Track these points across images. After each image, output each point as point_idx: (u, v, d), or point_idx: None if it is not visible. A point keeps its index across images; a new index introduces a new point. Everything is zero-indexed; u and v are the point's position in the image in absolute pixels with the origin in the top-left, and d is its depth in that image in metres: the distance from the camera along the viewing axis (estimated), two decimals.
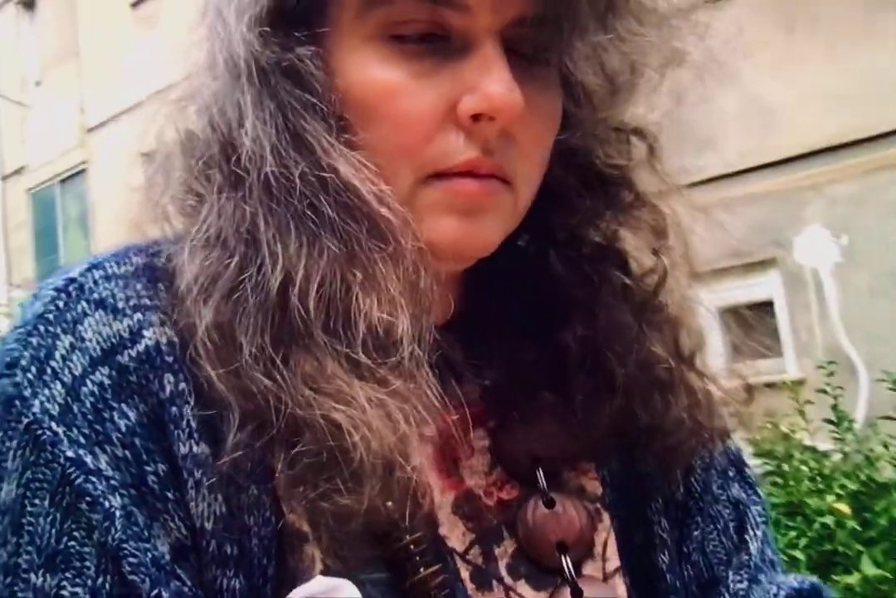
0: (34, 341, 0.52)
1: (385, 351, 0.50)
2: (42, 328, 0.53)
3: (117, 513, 0.49)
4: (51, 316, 0.53)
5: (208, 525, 0.51)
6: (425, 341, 0.51)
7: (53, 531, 0.49)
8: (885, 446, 3.37)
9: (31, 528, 0.49)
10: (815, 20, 5.29)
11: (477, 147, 0.52)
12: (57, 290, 0.54)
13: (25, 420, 0.50)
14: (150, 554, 0.49)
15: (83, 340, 0.52)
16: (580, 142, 0.60)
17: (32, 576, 0.48)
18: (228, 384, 0.49)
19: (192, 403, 0.51)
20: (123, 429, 0.51)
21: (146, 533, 0.49)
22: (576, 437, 0.62)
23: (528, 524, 0.60)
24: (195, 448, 0.51)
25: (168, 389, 0.52)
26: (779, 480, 3.19)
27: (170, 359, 0.52)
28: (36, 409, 0.50)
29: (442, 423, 0.57)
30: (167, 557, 0.50)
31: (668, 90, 0.60)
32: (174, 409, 0.51)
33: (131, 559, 0.48)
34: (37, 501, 0.49)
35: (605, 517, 0.63)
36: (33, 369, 0.52)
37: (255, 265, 0.50)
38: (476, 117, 0.51)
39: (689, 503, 0.66)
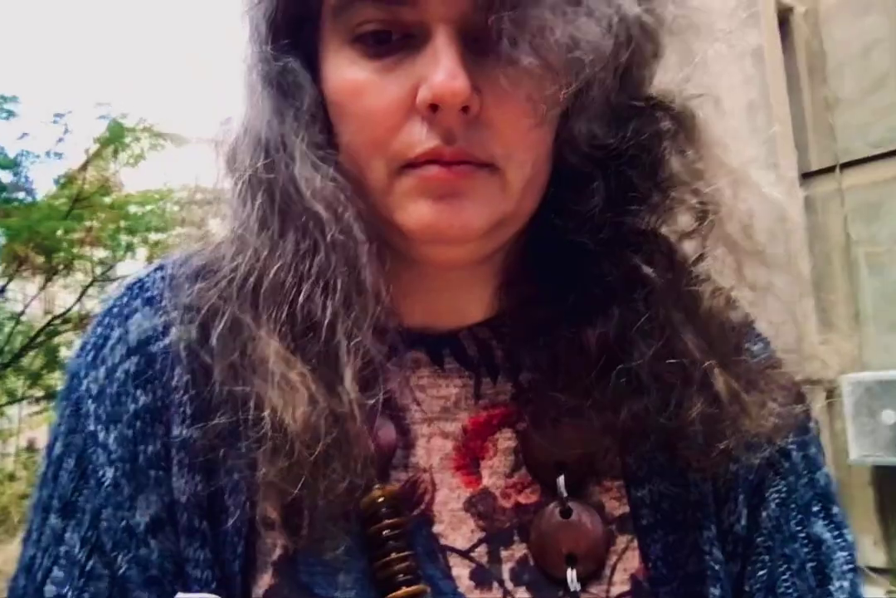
0: (99, 330, 0.65)
1: (307, 336, 0.54)
2: (106, 320, 0.65)
3: (106, 482, 0.59)
4: (115, 310, 0.65)
5: (183, 499, 0.58)
6: (358, 334, 0.54)
7: (71, 486, 0.60)
8: None
9: (60, 479, 0.61)
10: None
11: (438, 136, 0.53)
12: (127, 287, 0.66)
13: (75, 395, 0.63)
14: (125, 522, 0.58)
15: (128, 332, 0.63)
16: (591, 124, 0.57)
17: (52, 516, 0.61)
18: (205, 364, 0.57)
19: (191, 392, 0.59)
20: (132, 411, 0.60)
21: (128, 504, 0.58)
22: (606, 448, 0.61)
23: (541, 530, 0.59)
24: (185, 432, 0.59)
25: (176, 379, 0.60)
26: None
27: (184, 353, 0.60)
28: (83, 387, 0.62)
29: (468, 421, 0.61)
30: (142, 527, 0.58)
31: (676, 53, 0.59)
32: (177, 396, 0.60)
33: (104, 523, 0.58)
34: (69, 459, 0.61)
35: (622, 540, 0.60)
36: (92, 353, 0.64)
37: (231, 260, 0.57)
38: (433, 107, 0.52)
39: (755, 539, 0.62)
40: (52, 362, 8.60)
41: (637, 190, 0.61)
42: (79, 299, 8.90)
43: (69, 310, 8.89)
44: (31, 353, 8.89)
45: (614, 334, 0.60)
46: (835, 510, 0.65)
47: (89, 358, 0.63)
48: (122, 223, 8.45)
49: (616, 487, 0.61)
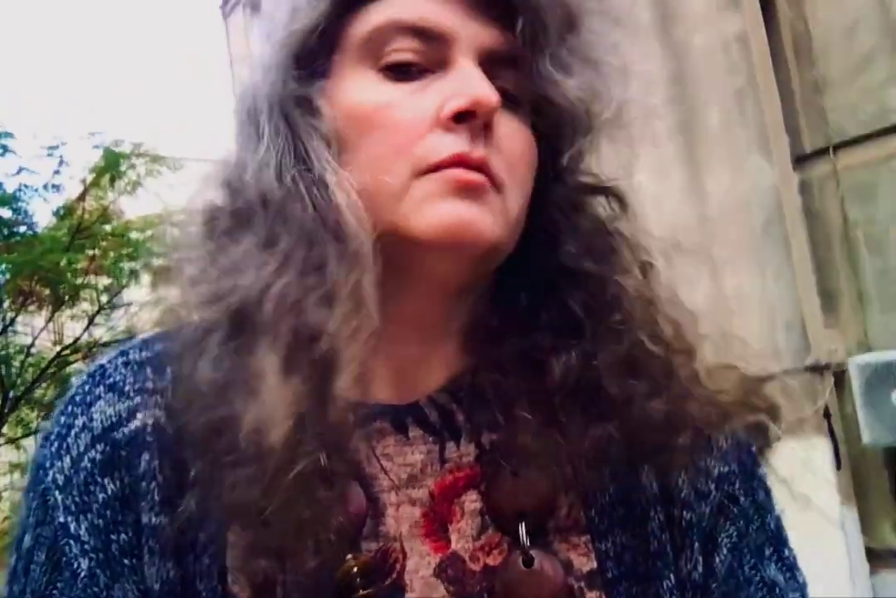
0: (62, 419, 0.64)
1: (309, 344, 0.54)
2: (69, 409, 0.64)
3: (82, 573, 0.59)
4: (77, 398, 0.65)
5: (156, 586, 0.58)
6: (354, 345, 0.54)
7: (44, 579, 0.60)
8: None
9: (32, 574, 0.60)
10: None
11: (462, 142, 0.57)
12: (89, 375, 0.65)
13: (42, 486, 0.62)
14: None
15: (91, 420, 0.62)
16: (561, 179, 0.65)
17: None
18: (188, 398, 0.56)
19: (159, 479, 0.60)
20: (101, 501, 0.60)
21: (105, 593, 0.58)
22: (570, 504, 0.62)
23: (505, 581, 0.60)
24: (154, 520, 0.59)
25: (143, 466, 0.60)
26: None
27: (150, 439, 0.60)
28: (49, 478, 0.62)
29: (434, 486, 0.62)
30: None
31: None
32: (144, 484, 0.60)
33: None
34: (40, 553, 0.60)
35: (591, 596, 0.61)
36: (56, 443, 0.63)
37: (229, 279, 0.57)
38: (457, 118, 0.56)
39: (711, 585, 0.63)
40: (65, 393, 8.59)
41: (598, 241, 0.65)
42: (87, 328, 8.94)
43: (78, 339, 8.92)
44: (44, 385, 8.92)
45: (580, 364, 0.62)
46: (786, 552, 0.66)
47: (54, 448, 0.63)
48: (124, 250, 8.48)
49: (583, 542, 0.62)
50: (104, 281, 8.88)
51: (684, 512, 0.63)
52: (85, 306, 8.97)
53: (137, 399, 0.62)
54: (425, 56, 0.59)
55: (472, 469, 0.63)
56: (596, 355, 0.62)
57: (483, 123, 0.57)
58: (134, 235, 8.51)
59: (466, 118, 0.56)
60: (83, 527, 0.59)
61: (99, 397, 0.63)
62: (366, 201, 0.57)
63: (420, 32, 0.58)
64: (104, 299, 8.92)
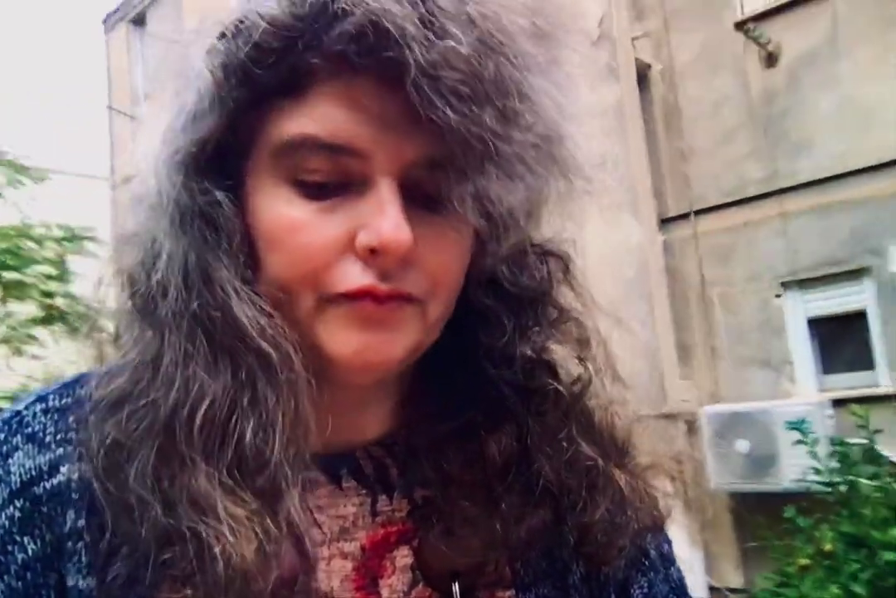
0: None
1: (255, 473, 0.53)
2: None
3: None
4: None
5: None
6: (298, 464, 0.54)
7: None
8: None
9: None
10: None
11: (373, 275, 0.55)
12: (3, 422, 0.60)
13: None
14: None
15: (9, 473, 0.58)
16: (499, 268, 0.64)
17: None
18: (114, 500, 0.53)
19: (87, 539, 0.55)
20: (20, 562, 0.56)
21: None
22: (498, 552, 0.62)
23: None
24: (81, 583, 0.55)
25: (69, 524, 0.56)
26: (844, 511, 2.99)
27: (76, 496, 0.56)
28: None
29: (365, 540, 0.62)
30: None
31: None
32: (70, 544, 0.56)
33: None
34: None
35: None
36: None
37: (152, 387, 0.54)
38: (373, 250, 0.54)
39: None
40: None
41: (532, 322, 0.66)
42: None
43: None
44: None
45: (516, 447, 0.63)
46: None
47: None
48: None
49: (507, 596, 0.63)
50: None
51: (597, 537, 0.63)
52: None
53: (60, 451, 0.57)
54: (341, 173, 0.55)
55: (405, 524, 0.63)
56: (530, 440, 0.63)
57: (395, 258, 0.55)
58: None
59: (379, 252, 0.54)
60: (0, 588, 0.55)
61: (17, 448, 0.59)
62: (283, 315, 0.56)
63: (335, 150, 0.54)
64: None
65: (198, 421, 0.53)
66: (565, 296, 0.67)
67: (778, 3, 5.60)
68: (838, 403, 4.26)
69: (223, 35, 0.55)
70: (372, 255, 0.54)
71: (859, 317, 4.76)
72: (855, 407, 3.07)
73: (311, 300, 0.55)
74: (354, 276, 0.54)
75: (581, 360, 0.66)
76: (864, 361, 4.65)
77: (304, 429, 0.55)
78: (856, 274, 4.83)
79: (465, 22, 0.52)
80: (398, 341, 0.57)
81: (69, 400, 0.59)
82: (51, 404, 0.60)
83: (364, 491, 0.63)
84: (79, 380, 0.60)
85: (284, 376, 0.54)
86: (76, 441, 0.57)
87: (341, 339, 0.56)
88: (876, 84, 4.84)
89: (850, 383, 4.61)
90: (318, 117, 0.54)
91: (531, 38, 0.55)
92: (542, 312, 0.67)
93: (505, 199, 0.55)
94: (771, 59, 5.47)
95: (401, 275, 0.55)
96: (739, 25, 5.57)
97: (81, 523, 0.56)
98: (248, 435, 0.53)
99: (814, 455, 3.05)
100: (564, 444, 0.63)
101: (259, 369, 0.54)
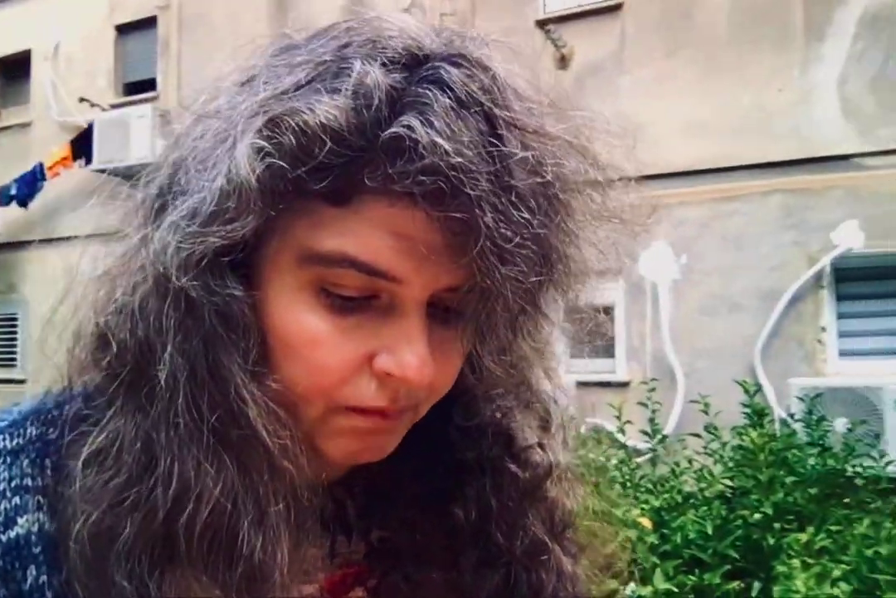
0: None
1: (259, 583, 0.52)
2: None
3: None
4: None
5: None
6: (299, 570, 0.54)
7: None
8: (690, 461, 3.71)
9: None
10: (695, 45, 5.55)
11: (386, 397, 0.54)
12: None
13: None
14: None
15: None
16: (486, 358, 0.61)
17: None
18: (93, 592, 0.50)
19: (49, 597, 0.51)
20: None
21: None
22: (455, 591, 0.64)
23: None
24: None
25: (29, 581, 0.52)
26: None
27: (37, 550, 0.52)
28: None
29: (325, 581, 0.61)
30: None
31: None
32: None
33: None
34: None
35: None
36: None
37: (147, 483, 0.51)
38: (389, 373, 0.53)
39: None
40: None
41: (507, 399, 0.67)
42: None
43: None
44: None
45: (474, 507, 0.64)
46: None
47: None
48: None
49: None
50: None
51: None
52: None
53: (16, 500, 0.53)
54: (370, 291, 0.53)
55: (361, 566, 0.63)
56: (488, 505, 0.64)
57: (413, 389, 0.54)
58: None
59: (396, 378, 0.53)
60: None
61: None
62: (286, 409, 0.54)
63: (372, 273, 0.51)
64: None
65: (199, 527, 0.50)
66: (538, 377, 0.69)
67: (574, 11, 5.92)
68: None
69: (272, 132, 0.49)
70: (387, 377, 0.53)
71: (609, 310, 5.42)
72: None
73: (320, 409, 0.54)
74: (369, 396, 0.54)
75: (542, 446, 0.68)
76: (606, 350, 5.24)
77: (307, 530, 0.54)
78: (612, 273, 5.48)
79: (536, 187, 0.50)
80: (392, 442, 0.58)
81: (21, 441, 0.55)
82: (1, 445, 0.55)
83: (324, 533, 0.62)
84: (29, 416, 0.56)
85: (291, 486, 0.53)
86: (34, 489, 0.53)
87: (341, 444, 0.56)
88: (650, 104, 5.32)
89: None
90: (360, 239, 0.51)
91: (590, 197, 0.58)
92: (517, 394, 0.68)
93: (529, 333, 0.58)
94: (564, 62, 5.81)
95: (411, 394, 0.55)
96: (541, 24, 5.88)
97: (43, 579, 0.52)
98: (258, 550, 0.51)
99: None
100: (519, 522, 0.65)
101: (270, 475, 0.52)
